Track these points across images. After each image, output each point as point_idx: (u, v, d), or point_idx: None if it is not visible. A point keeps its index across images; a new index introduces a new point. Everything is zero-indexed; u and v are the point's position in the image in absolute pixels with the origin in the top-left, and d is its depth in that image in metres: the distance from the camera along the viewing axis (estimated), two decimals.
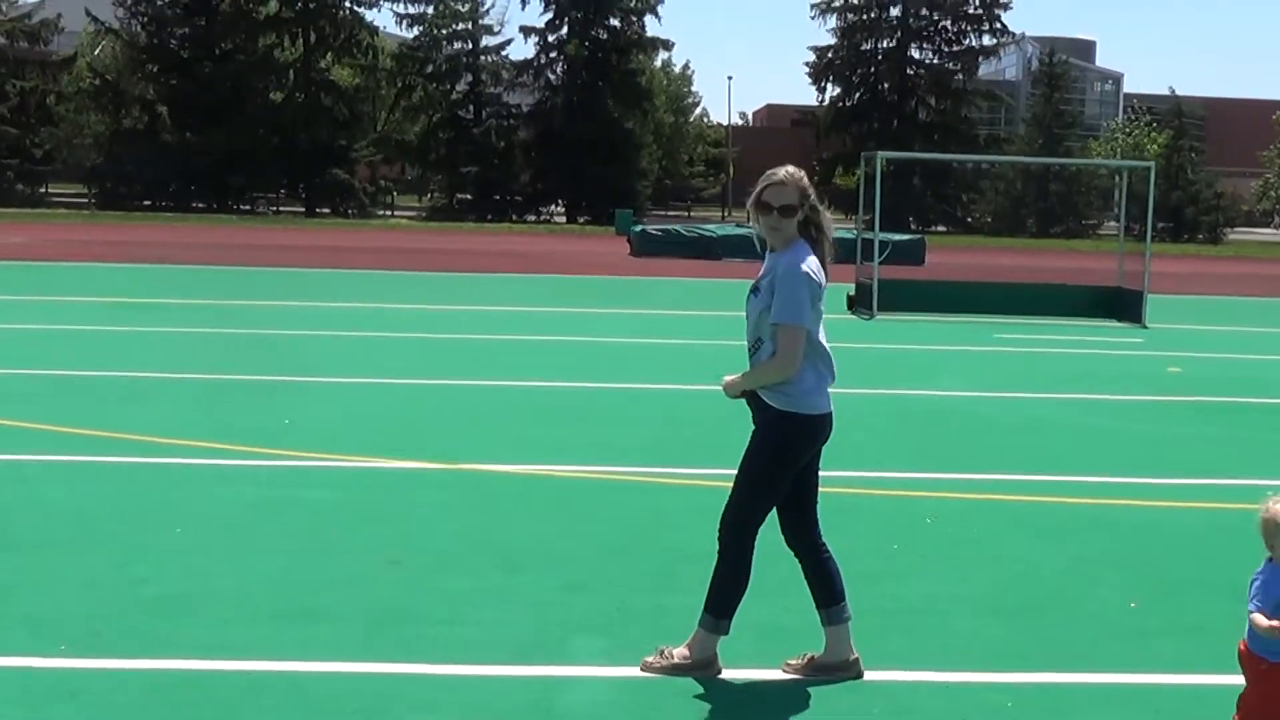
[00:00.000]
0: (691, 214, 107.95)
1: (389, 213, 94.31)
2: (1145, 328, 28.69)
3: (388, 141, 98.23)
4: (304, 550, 9.38)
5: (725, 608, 7.05)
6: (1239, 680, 7.15)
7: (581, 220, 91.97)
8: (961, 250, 63.24)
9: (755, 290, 7.05)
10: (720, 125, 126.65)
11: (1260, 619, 5.65)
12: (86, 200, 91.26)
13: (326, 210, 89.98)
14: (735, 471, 7.05)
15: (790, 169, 7.06)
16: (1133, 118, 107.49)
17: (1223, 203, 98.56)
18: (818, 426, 6.98)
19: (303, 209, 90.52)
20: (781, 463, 6.95)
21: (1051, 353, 23.75)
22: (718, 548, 7.07)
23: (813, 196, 7.02)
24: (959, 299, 30.99)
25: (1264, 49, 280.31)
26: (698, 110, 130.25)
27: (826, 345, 7.02)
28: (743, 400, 7.01)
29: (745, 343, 7.13)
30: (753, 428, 7.03)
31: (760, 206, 6.99)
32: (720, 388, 7.07)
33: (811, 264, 6.90)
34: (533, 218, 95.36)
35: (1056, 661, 7.49)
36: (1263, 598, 5.74)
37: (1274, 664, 5.79)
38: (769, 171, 7.04)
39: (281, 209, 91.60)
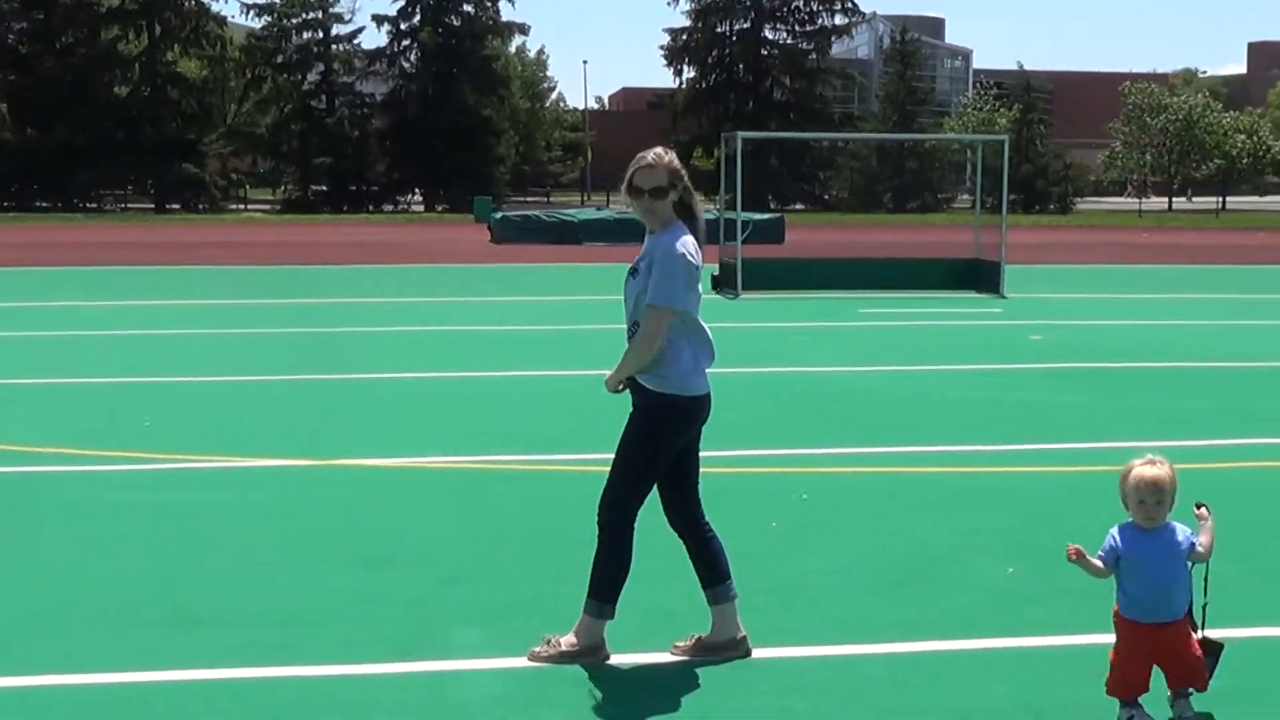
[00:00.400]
0: (551, 199, 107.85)
1: (242, 206, 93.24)
2: (1004, 297, 29.05)
3: (238, 134, 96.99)
4: (173, 554, 9.16)
5: (609, 592, 6.98)
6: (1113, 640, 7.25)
7: (440, 209, 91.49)
8: (820, 228, 63.71)
9: (634, 272, 6.96)
10: (576, 110, 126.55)
11: (1075, 546, 6.06)
12: None
13: (177, 206, 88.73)
14: (608, 454, 6.98)
15: (659, 151, 6.98)
16: (982, 93, 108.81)
17: (1071, 174, 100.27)
18: (695, 408, 6.92)
19: (152, 205, 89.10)
20: (658, 445, 6.88)
21: (915, 325, 23.93)
22: (598, 532, 7.00)
23: (685, 177, 6.93)
24: (821, 276, 31.20)
25: (1108, 23, 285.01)
26: (553, 95, 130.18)
27: (705, 326, 6.97)
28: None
29: (624, 326, 7.03)
30: (630, 410, 6.96)
31: (632, 191, 6.90)
32: (604, 385, 6.97)
33: (689, 245, 6.82)
34: (390, 207, 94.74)
35: (939, 631, 7.50)
36: (1106, 549, 6.09)
37: (1146, 625, 6.00)
38: (639, 155, 6.94)
39: (129, 206, 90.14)
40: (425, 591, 8.30)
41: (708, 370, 6.98)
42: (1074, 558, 6.03)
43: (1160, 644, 6.00)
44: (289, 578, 8.60)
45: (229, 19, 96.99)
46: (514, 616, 7.78)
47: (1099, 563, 6.06)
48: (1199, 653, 6.07)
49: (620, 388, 6.91)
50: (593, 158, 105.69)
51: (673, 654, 7.12)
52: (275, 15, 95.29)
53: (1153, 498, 6.03)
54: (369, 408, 15.20)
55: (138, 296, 29.01)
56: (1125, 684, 6.08)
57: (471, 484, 11.45)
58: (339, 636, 7.45)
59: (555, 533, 9.63)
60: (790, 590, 8.33)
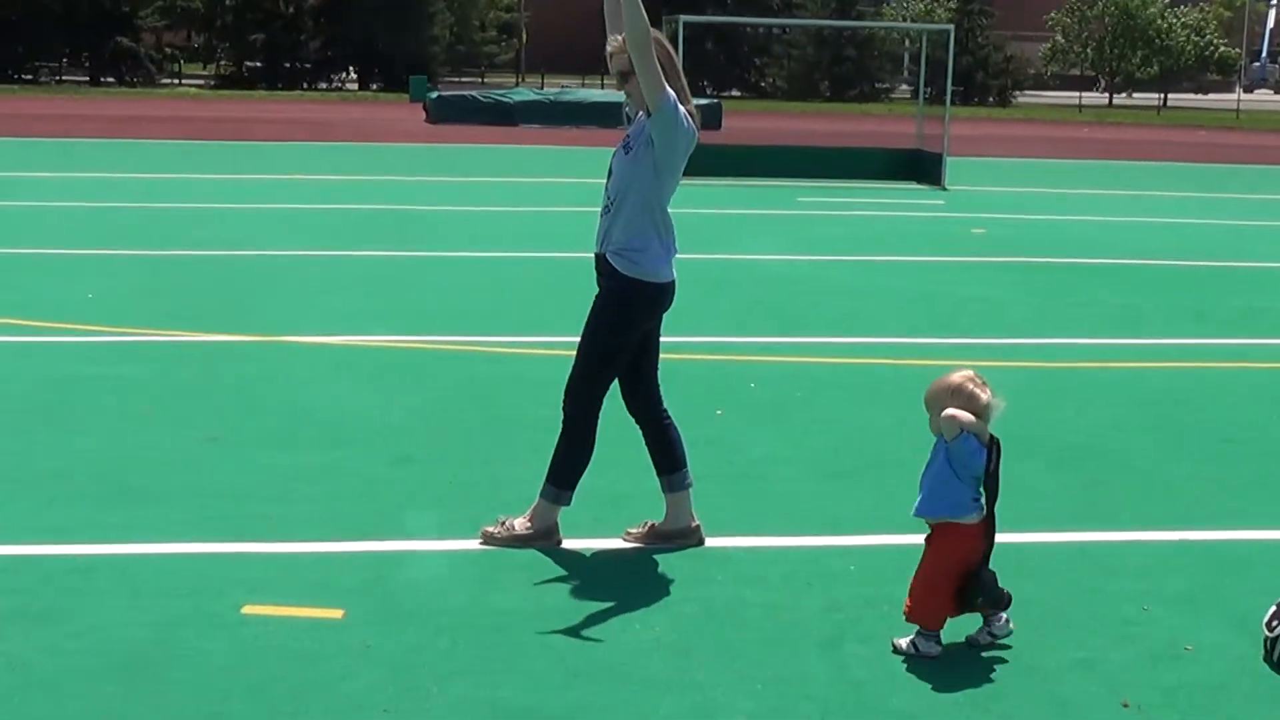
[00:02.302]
0: (485, 80, 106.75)
1: (176, 81, 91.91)
2: (945, 190, 28.98)
3: (173, 8, 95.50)
4: (118, 428, 9.10)
5: (568, 479, 6.96)
6: (1059, 537, 7.30)
7: (374, 87, 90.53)
8: (757, 115, 63.44)
9: (626, 148, 6.89)
10: None
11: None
12: None
13: (111, 80, 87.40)
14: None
15: (616, 38, 6.86)
16: None
17: (1012, 66, 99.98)
18: (661, 294, 6.90)
19: (87, 78, 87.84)
20: (625, 331, 6.85)
21: (855, 215, 23.91)
22: (562, 418, 6.96)
23: (662, 59, 6.75)
24: (759, 163, 31.07)
25: None
26: None
27: (670, 215, 6.93)
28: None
29: (597, 206, 6.94)
30: (595, 293, 6.90)
31: (617, 76, 6.87)
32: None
33: (683, 111, 6.76)
34: (324, 85, 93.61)
35: (892, 524, 7.45)
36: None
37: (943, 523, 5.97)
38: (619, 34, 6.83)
39: (64, 78, 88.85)
40: (375, 471, 8.26)
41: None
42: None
43: None
44: (236, 456, 8.53)
45: None
46: (465, 498, 7.76)
47: None
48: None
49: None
50: (528, 39, 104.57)
51: (625, 540, 7.11)
52: None
53: None
54: (311, 285, 15.07)
55: (74, 170, 28.58)
56: None
57: (417, 364, 11.39)
58: (289, 515, 7.42)
59: (501, 415, 9.61)
60: (743, 479, 8.33)
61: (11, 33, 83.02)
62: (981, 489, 5.97)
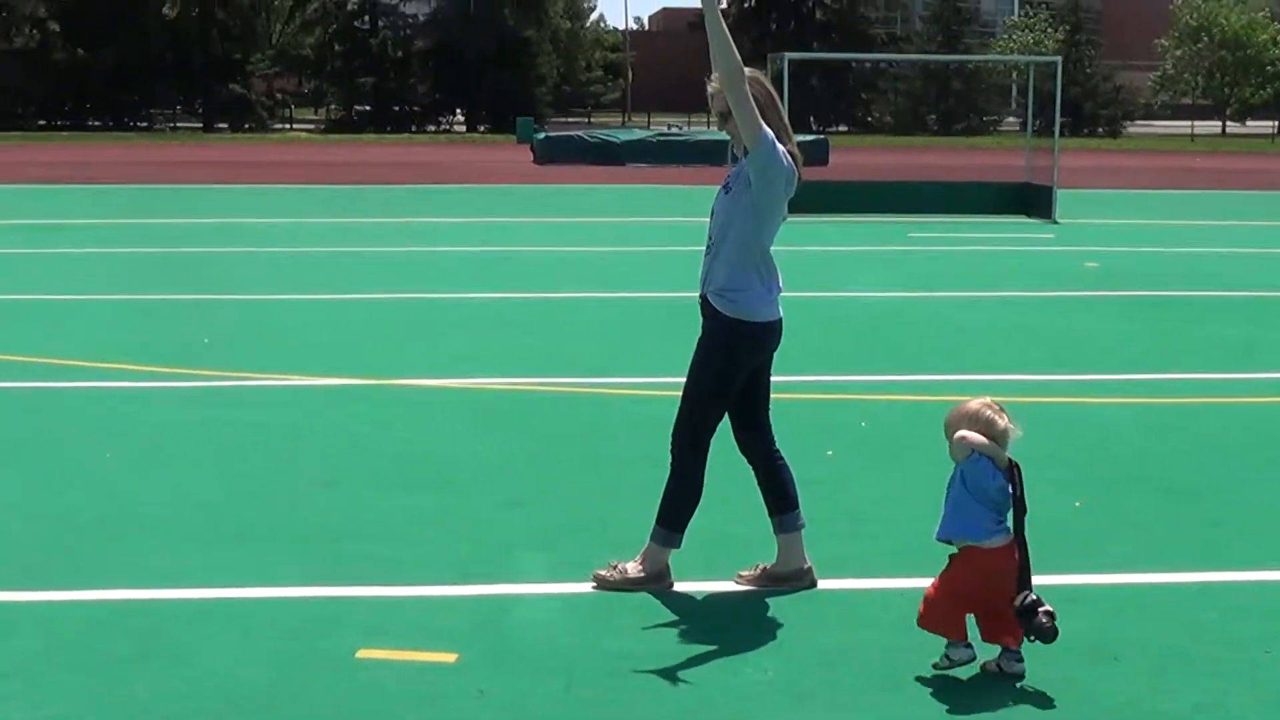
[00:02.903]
0: (591, 120, 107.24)
1: (287, 126, 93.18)
2: (1056, 223, 28.73)
3: (284, 54, 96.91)
4: (235, 472, 9.19)
5: (678, 521, 6.93)
6: (1179, 577, 7.17)
7: (481, 129, 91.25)
8: (864, 150, 63.30)
9: (726, 188, 6.89)
10: (617, 30, 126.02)
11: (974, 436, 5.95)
12: None
13: (224, 125, 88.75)
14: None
15: (714, 80, 6.84)
16: (1030, 13, 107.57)
17: (1121, 96, 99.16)
18: (765, 333, 6.90)
19: (200, 124, 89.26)
20: (728, 370, 6.84)
21: (967, 250, 23.78)
22: (670, 460, 6.95)
23: (760, 97, 6.74)
24: (868, 199, 30.95)
25: None
26: (594, 15, 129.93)
27: (771, 255, 6.92)
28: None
29: (703, 245, 6.95)
30: (699, 335, 6.90)
31: (718, 116, 6.86)
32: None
33: (782, 150, 6.74)
34: (433, 128, 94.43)
35: None
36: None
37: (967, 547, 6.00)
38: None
39: (178, 125, 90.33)
40: (486, 514, 8.28)
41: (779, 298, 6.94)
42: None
43: None
44: (350, 498, 8.59)
45: None
46: (575, 540, 7.76)
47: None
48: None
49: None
50: (633, 78, 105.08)
51: (737, 583, 7.07)
52: None
53: None
54: (421, 327, 15.18)
55: (188, 215, 28.98)
56: None
57: (527, 406, 11.41)
58: (401, 557, 7.44)
59: (613, 456, 9.61)
60: (856, 519, 8.27)
61: (128, 81, 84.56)
62: (1008, 514, 5.94)
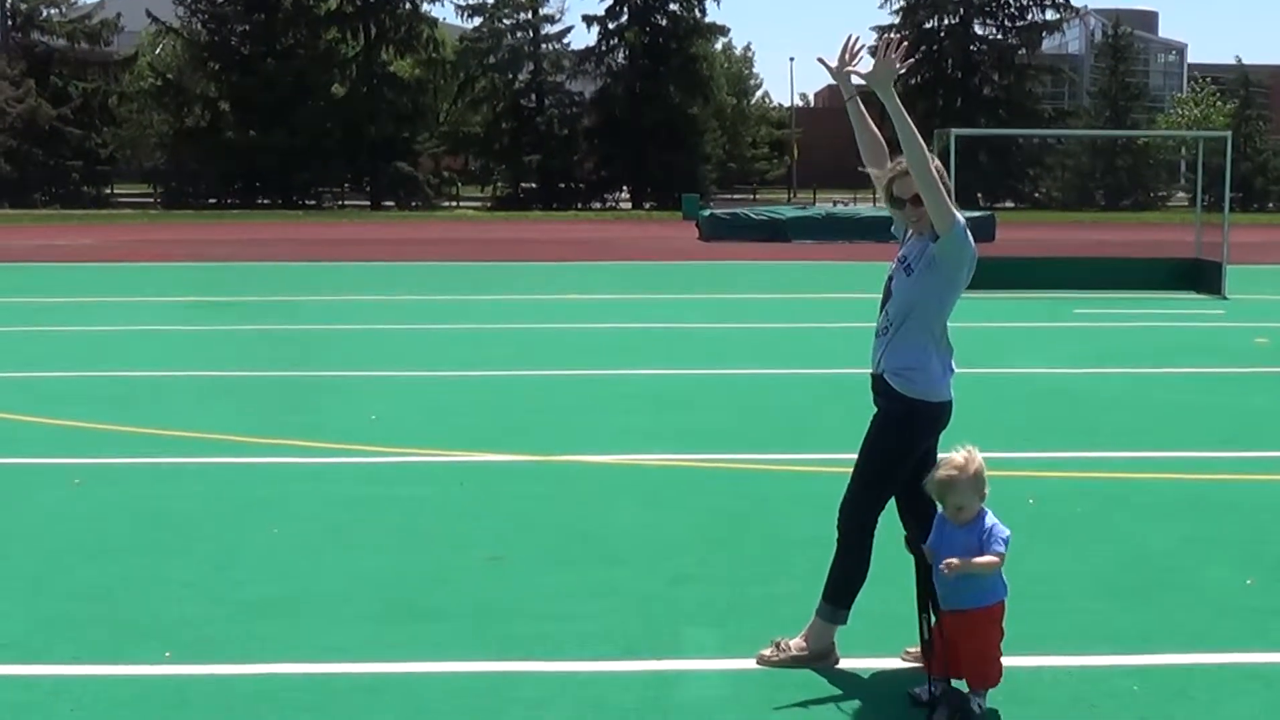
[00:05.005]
0: (757, 196, 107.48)
1: (454, 204, 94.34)
2: (1225, 299, 28.32)
3: (451, 133, 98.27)
4: (403, 548, 9.32)
5: (844, 598, 6.94)
6: None
7: (647, 206, 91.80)
8: (1031, 226, 62.79)
9: (908, 269, 6.88)
10: (782, 107, 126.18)
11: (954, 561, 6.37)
12: (152, 200, 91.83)
13: (391, 203, 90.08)
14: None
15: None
16: (1198, 89, 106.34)
17: None
18: (941, 413, 6.90)
19: (368, 203, 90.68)
20: (903, 450, 6.85)
21: (1134, 327, 23.49)
22: (838, 537, 6.95)
23: (943, 175, 6.78)
24: (1034, 275, 30.68)
25: None
26: (759, 92, 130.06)
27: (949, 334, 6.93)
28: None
29: (871, 322, 6.97)
30: (873, 411, 6.93)
31: (893, 201, 6.87)
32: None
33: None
34: (598, 205, 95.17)
35: (1178, 642, 7.33)
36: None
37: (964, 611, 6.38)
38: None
39: (346, 203, 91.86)
40: (653, 589, 8.33)
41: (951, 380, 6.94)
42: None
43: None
44: (517, 574, 8.67)
45: (442, 20, 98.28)
46: (742, 617, 7.77)
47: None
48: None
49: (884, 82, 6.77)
50: (798, 155, 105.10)
51: (904, 660, 7.05)
52: (487, 16, 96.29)
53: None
54: (588, 404, 15.29)
55: (355, 293, 29.50)
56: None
57: (694, 482, 11.46)
58: (569, 633, 7.51)
59: (779, 533, 9.61)
60: (1023, 597, 8.15)
61: (297, 160, 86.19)
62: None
